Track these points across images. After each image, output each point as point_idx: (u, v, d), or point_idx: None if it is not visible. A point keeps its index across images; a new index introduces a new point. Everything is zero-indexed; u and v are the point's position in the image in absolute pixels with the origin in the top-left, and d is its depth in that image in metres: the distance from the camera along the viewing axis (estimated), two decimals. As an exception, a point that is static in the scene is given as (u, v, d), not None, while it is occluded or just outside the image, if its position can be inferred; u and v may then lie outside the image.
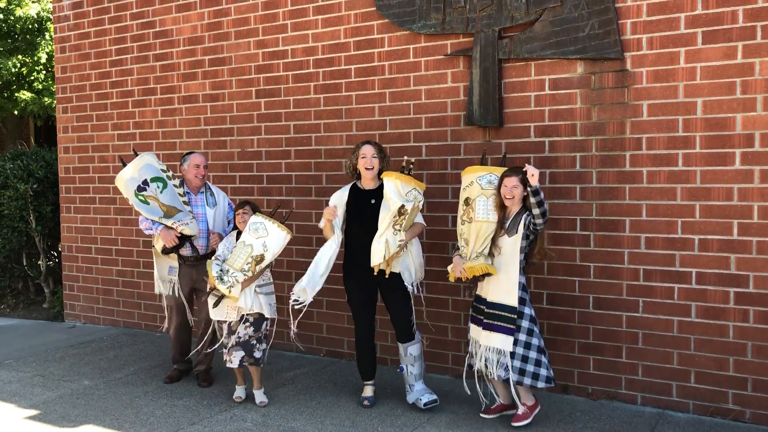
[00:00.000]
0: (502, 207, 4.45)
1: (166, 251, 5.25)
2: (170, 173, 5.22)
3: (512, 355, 4.36)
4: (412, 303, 4.81)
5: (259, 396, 5.02)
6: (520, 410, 4.49)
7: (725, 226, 4.57)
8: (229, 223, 5.45)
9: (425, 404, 4.72)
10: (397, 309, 4.78)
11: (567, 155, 5.03)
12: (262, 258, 4.78)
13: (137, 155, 5.16)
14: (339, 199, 4.87)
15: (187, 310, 5.52)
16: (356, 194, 4.86)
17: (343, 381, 5.49)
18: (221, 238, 5.26)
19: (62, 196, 7.68)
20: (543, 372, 4.38)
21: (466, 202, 4.54)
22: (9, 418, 4.80)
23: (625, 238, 4.87)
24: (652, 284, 4.79)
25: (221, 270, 4.80)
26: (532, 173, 4.22)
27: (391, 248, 4.61)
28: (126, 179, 5.06)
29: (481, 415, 4.64)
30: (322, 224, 4.87)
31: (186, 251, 5.30)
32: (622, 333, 4.90)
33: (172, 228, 5.11)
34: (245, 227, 4.88)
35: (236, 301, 4.81)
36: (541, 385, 4.38)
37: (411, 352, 4.80)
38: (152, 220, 5.14)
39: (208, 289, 4.96)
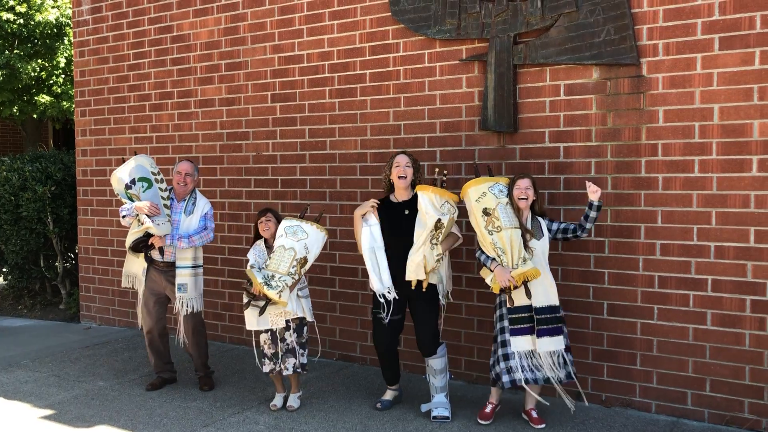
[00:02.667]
0: (517, 211, 4.55)
1: (134, 249, 5.26)
2: (160, 177, 5.34)
3: (566, 350, 4.53)
4: (440, 317, 4.75)
5: (293, 400, 4.98)
6: (535, 413, 4.61)
7: (742, 233, 4.53)
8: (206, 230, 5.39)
9: (434, 417, 4.71)
10: (423, 322, 4.74)
11: (582, 161, 5.02)
12: (305, 260, 4.79)
13: (135, 155, 5.39)
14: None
15: (151, 315, 5.38)
16: (389, 207, 4.86)
17: (356, 385, 5.50)
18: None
19: (79, 199, 7.76)
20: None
21: (486, 212, 4.55)
22: (25, 418, 4.85)
23: (640, 244, 4.84)
24: (667, 291, 4.76)
25: (265, 276, 4.71)
26: (595, 189, 4.39)
27: (429, 263, 4.61)
28: (118, 177, 5.27)
29: (480, 421, 4.63)
30: (361, 210, 4.82)
31: (156, 255, 5.30)
32: (637, 340, 4.87)
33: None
34: (276, 233, 4.86)
35: (285, 306, 4.75)
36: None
37: (433, 365, 4.78)
38: (128, 203, 5.20)
39: (245, 300, 4.83)
